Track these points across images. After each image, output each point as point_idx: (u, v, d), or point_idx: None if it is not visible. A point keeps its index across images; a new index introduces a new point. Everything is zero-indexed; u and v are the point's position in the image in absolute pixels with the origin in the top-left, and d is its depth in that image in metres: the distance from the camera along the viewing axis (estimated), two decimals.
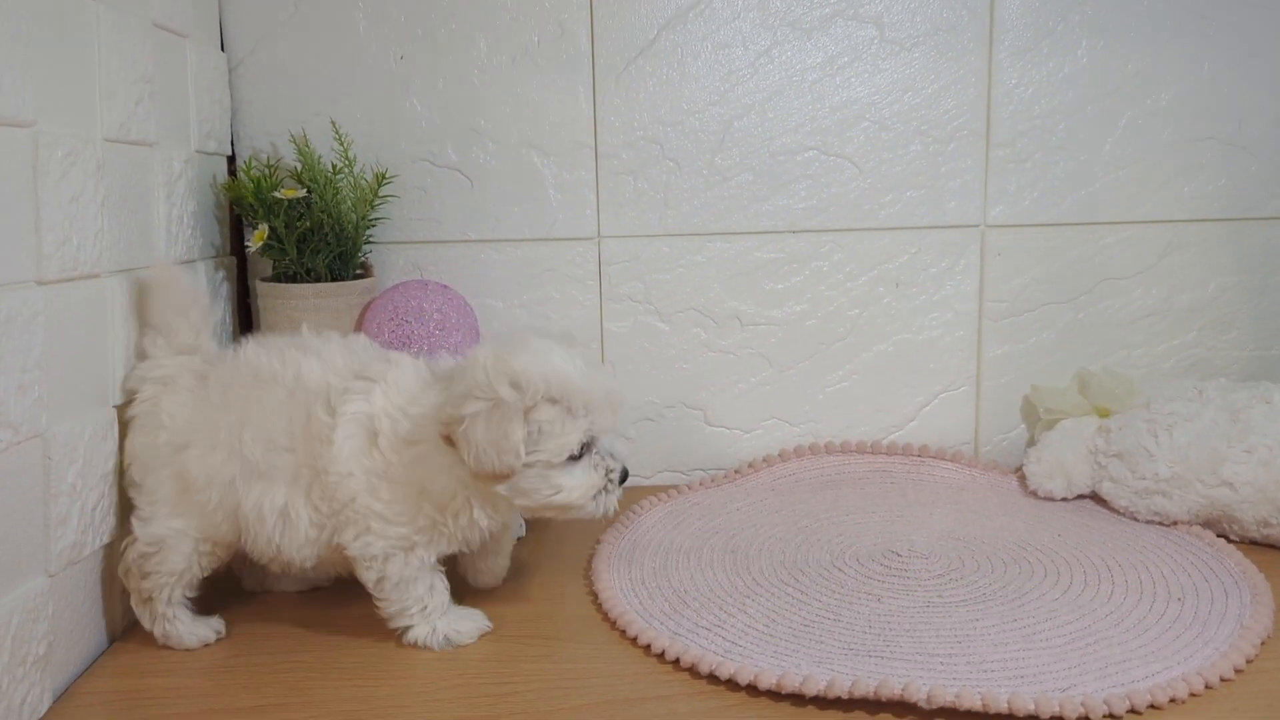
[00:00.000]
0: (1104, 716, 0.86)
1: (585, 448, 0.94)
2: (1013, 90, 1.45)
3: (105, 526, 1.02)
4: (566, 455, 0.92)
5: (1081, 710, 0.86)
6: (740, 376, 1.50)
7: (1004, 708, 0.86)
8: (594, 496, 0.95)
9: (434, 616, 1.00)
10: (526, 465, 0.91)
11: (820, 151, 1.45)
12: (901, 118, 1.45)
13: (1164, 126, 1.46)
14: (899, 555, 1.19)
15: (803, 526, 1.29)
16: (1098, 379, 1.43)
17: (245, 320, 1.43)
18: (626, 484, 1.00)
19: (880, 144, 1.45)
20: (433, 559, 1.00)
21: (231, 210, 1.38)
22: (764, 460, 1.49)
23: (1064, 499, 1.37)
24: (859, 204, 1.46)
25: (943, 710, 0.87)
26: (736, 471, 1.48)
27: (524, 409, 0.90)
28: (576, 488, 0.94)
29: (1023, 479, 1.42)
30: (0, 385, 0.83)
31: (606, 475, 0.96)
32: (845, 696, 0.88)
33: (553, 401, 0.91)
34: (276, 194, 1.27)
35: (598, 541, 1.26)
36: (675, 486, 1.46)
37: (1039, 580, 1.12)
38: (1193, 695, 0.89)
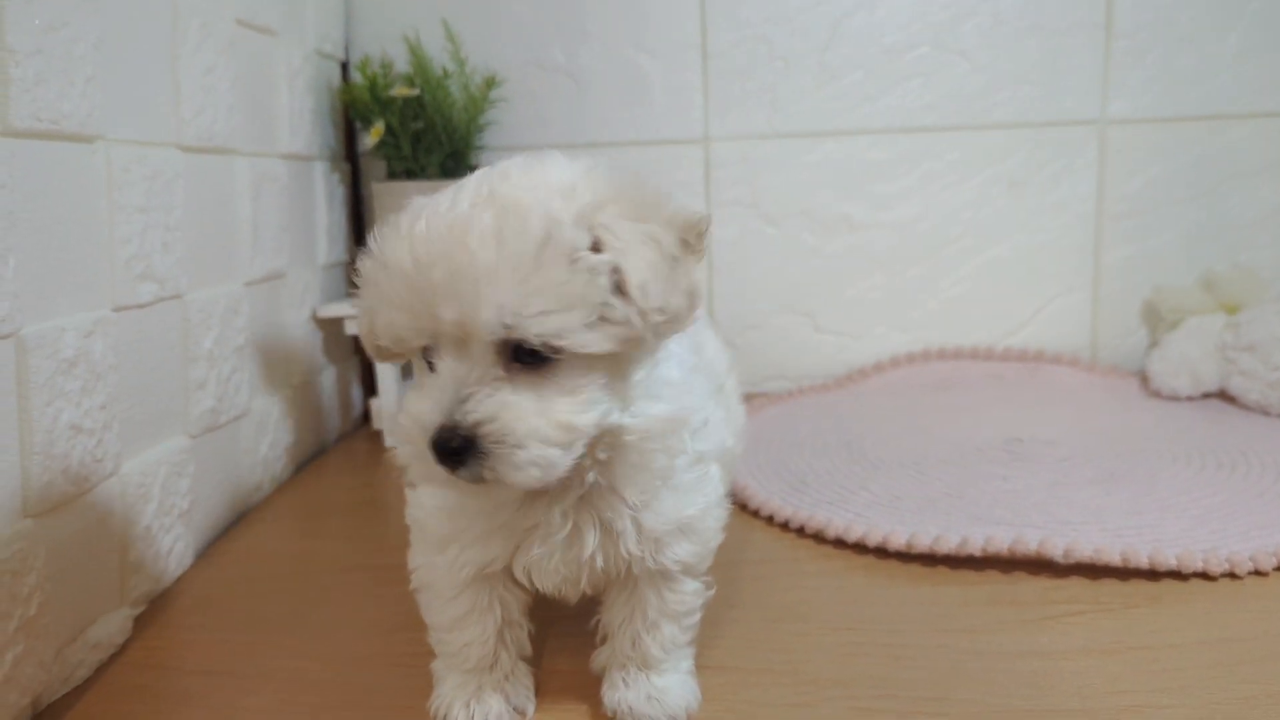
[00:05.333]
0: (1249, 573, 0.84)
1: (424, 353, 0.58)
2: None
3: (239, 399, 1.05)
4: (374, 343, 0.60)
5: (1227, 566, 0.84)
6: (850, 282, 1.48)
7: (1144, 563, 0.84)
8: (415, 441, 0.55)
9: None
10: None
11: (933, 47, 1.42)
12: (1017, 10, 1.40)
13: None
14: (1021, 441, 1.17)
15: (919, 424, 1.27)
16: (1225, 276, 1.38)
17: (357, 225, 1.46)
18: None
19: (995, 38, 1.41)
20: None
21: (345, 116, 1.40)
22: (875, 366, 1.47)
23: (1189, 398, 1.33)
24: (972, 101, 1.43)
25: (1079, 567, 0.86)
26: (848, 377, 1.46)
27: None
28: (396, 400, 0.57)
29: (1144, 381, 1.38)
30: (148, 240, 0.86)
31: (420, 424, 0.55)
32: (978, 554, 0.87)
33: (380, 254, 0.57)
34: (391, 93, 1.29)
35: None
36: (784, 392, 1.45)
37: (1169, 463, 1.09)
38: None
